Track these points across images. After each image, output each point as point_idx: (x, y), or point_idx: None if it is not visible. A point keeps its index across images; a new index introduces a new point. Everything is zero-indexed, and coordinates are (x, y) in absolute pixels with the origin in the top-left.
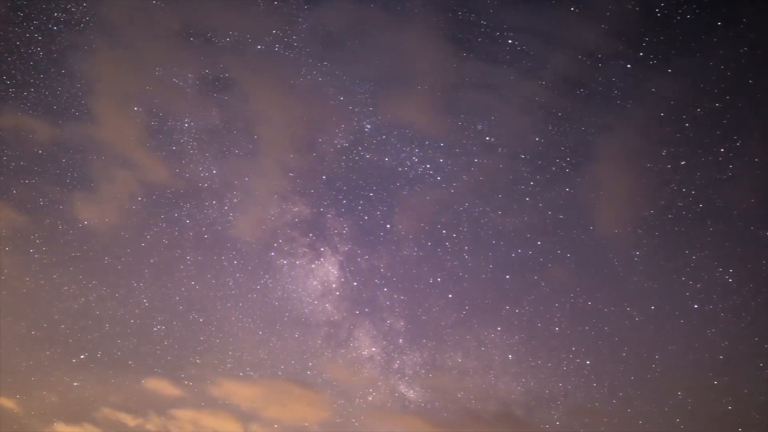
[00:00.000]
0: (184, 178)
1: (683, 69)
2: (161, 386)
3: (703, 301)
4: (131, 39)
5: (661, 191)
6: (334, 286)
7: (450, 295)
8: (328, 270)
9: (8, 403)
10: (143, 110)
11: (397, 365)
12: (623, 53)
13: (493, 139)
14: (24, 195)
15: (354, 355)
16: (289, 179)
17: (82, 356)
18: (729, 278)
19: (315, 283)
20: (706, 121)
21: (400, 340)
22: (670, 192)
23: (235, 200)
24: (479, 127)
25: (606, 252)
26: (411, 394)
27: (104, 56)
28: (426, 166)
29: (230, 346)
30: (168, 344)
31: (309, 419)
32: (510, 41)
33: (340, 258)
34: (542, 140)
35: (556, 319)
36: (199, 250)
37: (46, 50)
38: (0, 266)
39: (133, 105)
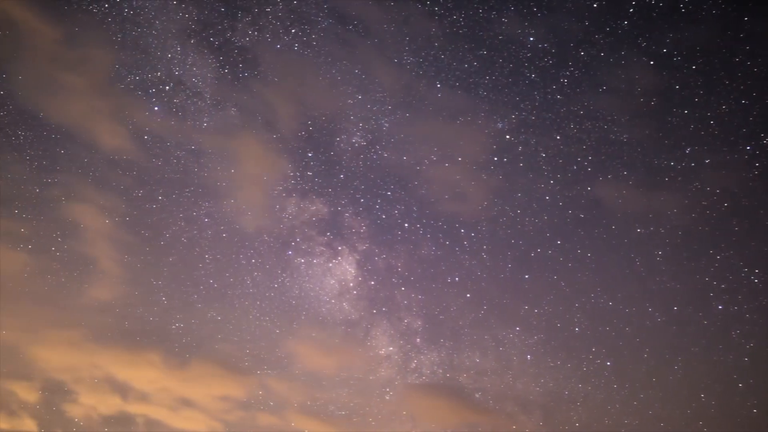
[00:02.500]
0: (203, 177)
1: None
2: (182, 382)
3: (728, 302)
4: (151, 39)
5: (686, 190)
6: (351, 285)
7: (468, 295)
8: (345, 269)
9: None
10: (163, 110)
11: (414, 365)
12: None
13: (512, 138)
14: (49, 193)
15: (371, 354)
16: (307, 178)
17: (103, 353)
18: (755, 279)
19: (332, 281)
20: (732, 119)
21: (418, 340)
22: (695, 191)
23: (254, 199)
24: (499, 125)
25: (627, 252)
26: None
27: (125, 56)
28: (445, 165)
29: (248, 345)
30: (186, 342)
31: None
32: (531, 38)
33: (358, 257)
34: (563, 138)
35: (576, 320)
36: (218, 248)
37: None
38: (22, 265)
39: (153, 105)
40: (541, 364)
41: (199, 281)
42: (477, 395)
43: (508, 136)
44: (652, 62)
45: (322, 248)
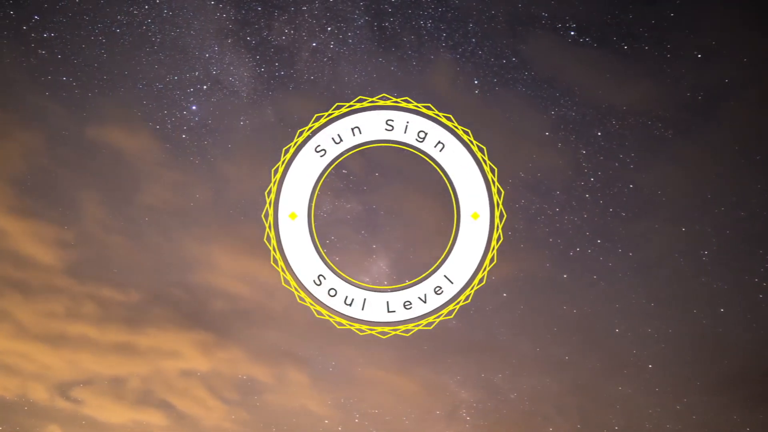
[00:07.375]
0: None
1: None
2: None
3: None
4: (189, 39)
5: (734, 187)
6: (385, 283)
7: (504, 294)
8: (380, 267)
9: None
10: (200, 109)
11: (448, 363)
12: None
13: (551, 134)
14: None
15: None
16: (342, 176)
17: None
18: None
19: (366, 280)
20: None
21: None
22: (743, 187)
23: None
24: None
25: (671, 251)
26: (462, 393)
27: (165, 56)
28: None
29: None
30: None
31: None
32: (572, 32)
33: (393, 255)
34: (603, 134)
35: (616, 321)
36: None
37: (109, 52)
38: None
39: (191, 104)
40: (579, 365)
41: None
42: (512, 396)
43: (547, 133)
44: (699, 55)
45: (357, 246)
